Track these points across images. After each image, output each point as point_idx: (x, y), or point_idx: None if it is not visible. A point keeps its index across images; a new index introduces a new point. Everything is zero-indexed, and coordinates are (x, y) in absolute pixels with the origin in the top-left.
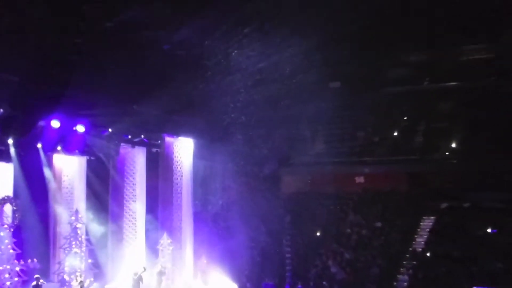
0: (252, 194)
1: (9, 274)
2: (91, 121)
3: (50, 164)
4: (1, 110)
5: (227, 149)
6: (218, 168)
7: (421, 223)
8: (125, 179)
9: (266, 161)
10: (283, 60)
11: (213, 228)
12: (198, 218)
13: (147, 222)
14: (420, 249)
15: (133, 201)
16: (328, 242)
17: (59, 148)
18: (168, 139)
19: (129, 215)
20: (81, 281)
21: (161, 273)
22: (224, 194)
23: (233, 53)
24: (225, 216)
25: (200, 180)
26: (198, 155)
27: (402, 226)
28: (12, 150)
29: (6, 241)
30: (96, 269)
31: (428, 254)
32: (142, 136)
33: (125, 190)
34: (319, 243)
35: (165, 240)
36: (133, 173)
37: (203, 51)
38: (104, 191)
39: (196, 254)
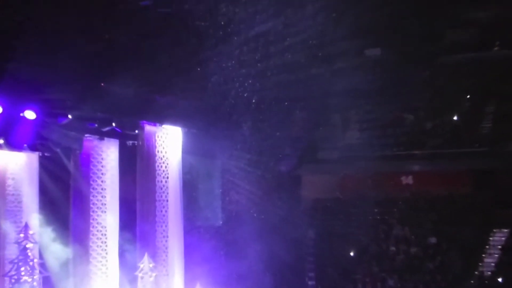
0: (263, 200)
1: None
2: (44, 105)
3: None
4: None
5: (229, 140)
6: (217, 166)
7: (490, 238)
8: (91, 182)
9: (283, 156)
10: (306, 20)
11: (211, 246)
12: (191, 233)
13: (121, 240)
14: (489, 273)
15: (102, 212)
16: (366, 264)
17: (1, 141)
18: (148, 128)
19: (98, 231)
20: None
21: None
22: (225, 201)
23: (237, 10)
24: (227, 231)
25: (193, 183)
26: (190, 149)
27: (464, 242)
28: None
29: None
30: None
31: (500, 280)
32: (114, 124)
33: (91, 198)
34: (353, 265)
35: (145, 264)
36: (102, 174)
37: (196, 9)
38: (63, 199)
39: (189, 282)
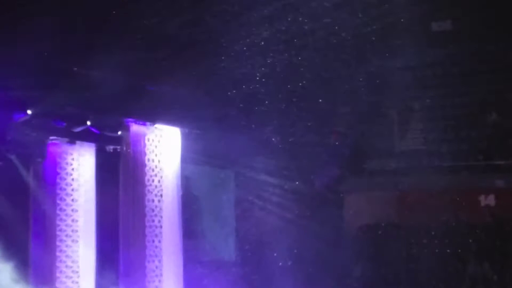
0: (293, 227)
1: None
2: None
3: None
4: None
5: (245, 145)
6: (228, 179)
7: None
8: (58, 201)
9: (319, 167)
10: None
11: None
12: (192, 270)
13: (99, 279)
14: None
15: (73, 241)
16: None
17: None
18: (136, 128)
19: (67, 267)
20: None
21: None
22: (240, 227)
23: None
24: (243, 267)
25: (196, 202)
26: (191, 156)
27: None
28: None
29: None
30: None
31: None
32: (89, 122)
33: (58, 222)
34: None
35: None
36: (73, 190)
37: None
38: (19, 224)
39: None
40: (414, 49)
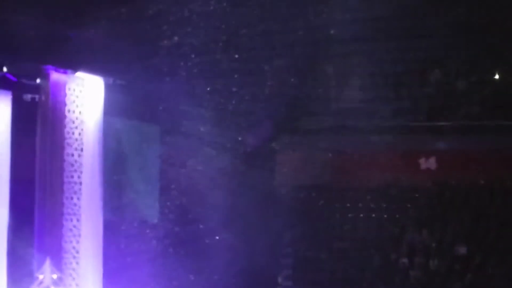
0: (222, 187)
1: None
2: None
3: None
4: None
5: (174, 98)
6: (155, 134)
7: None
8: None
9: (251, 124)
10: None
11: (143, 250)
12: (113, 232)
13: (11, 239)
14: None
15: None
16: (367, 283)
17: None
18: (56, 76)
19: None
20: None
21: None
22: (166, 186)
23: None
24: (169, 229)
25: (119, 157)
26: (115, 108)
27: (507, 253)
28: None
29: None
30: None
31: None
32: (5, 68)
33: None
34: (349, 284)
35: (47, 275)
36: None
37: None
38: None
39: None
40: (356, 2)
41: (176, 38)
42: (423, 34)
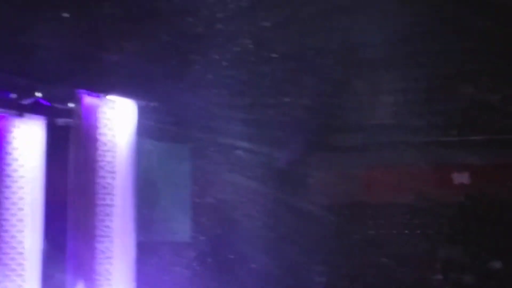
0: (254, 204)
1: None
2: None
3: None
4: None
5: (205, 119)
6: (187, 153)
7: None
8: (3, 177)
9: (284, 142)
10: None
11: (175, 272)
12: (146, 253)
13: (45, 263)
14: None
15: (17, 221)
16: None
17: None
18: (88, 100)
19: (11, 249)
20: None
21: None
22: (198, 207)
23: None
24: (199, 247)
25: (151, 179)
26: (147, 130)
27: None
28: None
29: None
30: None
31: None
32: (38, 94)
33: (3, 200)
34: None
35: None
36: (20, 166)
37: None
38: None
39: None
40: (387, 18)
41: (208, 56)
42: (455, 49)
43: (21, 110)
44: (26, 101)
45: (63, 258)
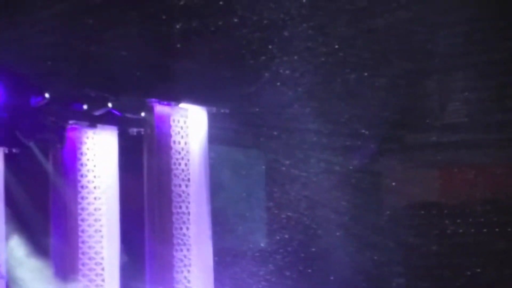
0: (326, 211)
1: None
2: (8, 81)
3: None
4: None
5: (275, 123)
6: (260, 159)
7: None
8: (79, 189)
9: (356, 143)
10: None
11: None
12: (223, 260)
13: (123, 271)
14: None
15: (96, 231)
16: None
17: None
18: (160, 108)
19: (90, 259)
20: None
21: None
22: (272, 209)
23: None
24: (276, 256)
25: (224, 186)
26: (219, 137)
27: None
28: None
29: None
30: None
31: None
32: (110, 104)
33: (79, 211)
34: None
35: None
36: (95, 177)
37: None
38: (39, 214)
39: None
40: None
41: (276, 62)
42: None
43: (94, 121)
44: (98, 112)
45: (142, 267)
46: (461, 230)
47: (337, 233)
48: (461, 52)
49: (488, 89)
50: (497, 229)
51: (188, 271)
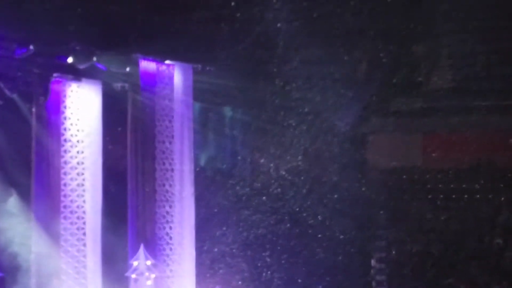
0: (313, 170)
1: None
2: None
3: None
4: None
5: (263, 83)
6: (244, 118)
7: None
8: (62, 142)
9: (343, 107)
10: None
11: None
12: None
13: (105, 225)
14: None
15: (78, 184)
16: (460, 264)
17: None
18: (145, 64)
19: (71, 212)
20: None
21: None
22: (253, 171)
23: None
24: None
25: (210, 141)
26: (203, 93)
27: None
28: None
29: None
30: None
31: None
32: (95, 58)
33: (63, 164)
34: (443, 266)
35: (141, 261)
36: (79, 131)
37: None
38: (21, 167)
39: (203, 284)
40: None
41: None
42: None
43: (78, 74)
44: (83, 66)
45: (124, 222)
46: (442, 196)
47: (314, 195)
48: (449, 17)
49: (475, 56)
50: (478, 196)
51: (170, 228)
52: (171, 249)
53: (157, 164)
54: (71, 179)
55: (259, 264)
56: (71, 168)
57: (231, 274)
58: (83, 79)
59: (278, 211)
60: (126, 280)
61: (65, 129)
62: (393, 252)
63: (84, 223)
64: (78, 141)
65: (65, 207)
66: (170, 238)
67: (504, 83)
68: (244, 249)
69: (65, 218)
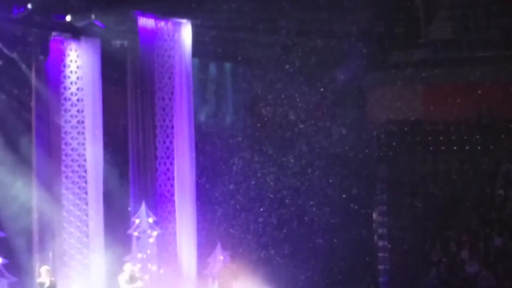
0: (312, 124)
1: None
2: None
3: None
4: None
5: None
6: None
7: None
8: (62, 101)
9: (341, 61)
10: None
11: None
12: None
13: (107, 185)
14: None
15: (79, 143)
16: (461, 215)
17: None
18: (144, 21)
19: (73, 172)
20: None
21: (131, 281)
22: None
23: None
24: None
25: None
26: (202, 49)
27: None
28: None
29: None
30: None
31: None
32: (93, 16)
33: (63, 123)
34: (443, 217)
35: (143, 219)
36: (78, 90)
37: None
38: (21, 127)
39: (207, 243)
40: None
41: None
42: None
43: (77, 32)
44: (81, 24)
45: (125, 180)
46: (443, 148)
47: (310, 150)
48: None
49: (474, 7)
50: (479, 147)
51: (171, 185)
52: (172, 206)
53: (157, 121)
54: (72, 138)
55: (260, 220)
56: (72, 127)
57: (233, 229)
58: (82, 38)
59: (280, 160)
60: (128, 237)
61: (65, 88)
62: (394, 205)
63: (85, 182)
64: (78, 100)
65: (66, 166)
66: (172, 195)
67: (504, 34)
68: (247, 203)
69: (66, 177)
